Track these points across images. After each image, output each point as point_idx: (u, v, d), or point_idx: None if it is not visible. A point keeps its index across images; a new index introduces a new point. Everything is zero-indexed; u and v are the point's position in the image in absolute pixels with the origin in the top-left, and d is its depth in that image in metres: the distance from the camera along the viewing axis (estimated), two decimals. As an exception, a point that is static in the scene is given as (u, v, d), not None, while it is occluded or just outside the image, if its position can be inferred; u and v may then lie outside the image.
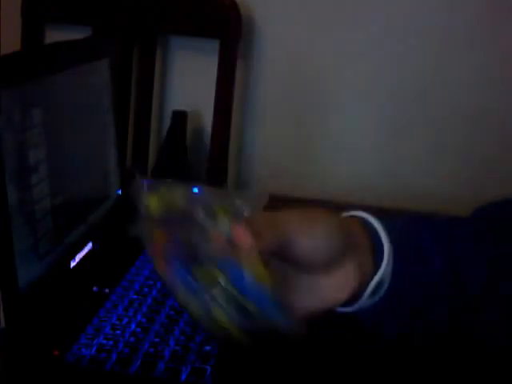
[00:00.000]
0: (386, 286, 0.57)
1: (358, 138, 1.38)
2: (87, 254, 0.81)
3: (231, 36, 1.31)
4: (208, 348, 0.66)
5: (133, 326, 0.69)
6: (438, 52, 1.29)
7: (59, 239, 0.75)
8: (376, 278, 0.56)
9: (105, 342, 0.66)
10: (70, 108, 0.78)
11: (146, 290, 0.77)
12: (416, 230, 0.61)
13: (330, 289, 0.56)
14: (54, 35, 1.39)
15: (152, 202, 0.53)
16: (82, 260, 0.79)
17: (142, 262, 0.84)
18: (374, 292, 0.57)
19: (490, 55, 1.27)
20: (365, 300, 0.57)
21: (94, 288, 0.77)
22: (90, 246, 0.82)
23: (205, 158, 1.36)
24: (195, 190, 0.55)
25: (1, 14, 1.42)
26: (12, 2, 1.39)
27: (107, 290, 0.76)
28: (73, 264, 0.77)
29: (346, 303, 0.57)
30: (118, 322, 0.70)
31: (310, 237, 0.54)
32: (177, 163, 1.13)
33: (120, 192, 0.94)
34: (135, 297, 0.75)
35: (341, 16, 1.32)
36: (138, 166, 1.38)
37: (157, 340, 0.67)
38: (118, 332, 0.68)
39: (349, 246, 0.56)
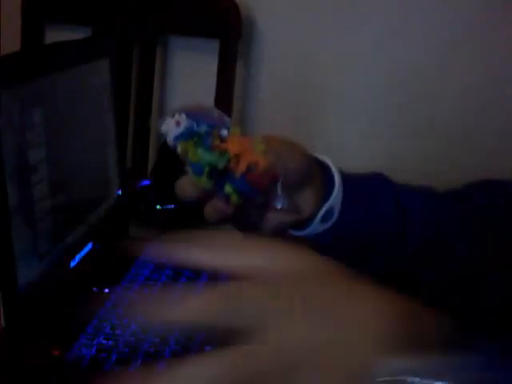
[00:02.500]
0: (335, 215, 0.65)
1: (357, 137, 1.38)
2: (87, 253, 0.81)
3: (231, 36, 1.31)
4: (208, 348, 0.66)
5: (133, 326, 0.69)
6: (438, 52, 1.29)
7: (59, 239, 0.75)
8: (326, 205, 0.64)
9: (105, 342, 0.66)
10: (70, 108, 0.78)
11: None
12: (370, 182, 0.69)
13: (293, 207, 0.63)
14: (54, 35, 1.39)
15: None
16: (82, 260, 0.79)
17: (142, 262, 0.84)
18: (324, 219, 0.64)
19: (490, 55, 1.27)
20: (316, 224, 0.64)
21: (94, 288, 0.77)
22: (90, 245, 0.82)
23: (205, 157, 1.36)
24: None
25: (1, 14, 1.42)
26: (12, 2, 1.39)
27: (107, 290, 0.76)
28: (73, 264, 0.77)
29: (301, 227, 0.65)
30: (118, 322, 0.70)
31: (291, 159, 0.64)
32: (177, 163, 1.13)
33: (120, 192, 0.94)
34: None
35: (341, 16, 1.32)
36: (137, 165, 1.38)
37: (157, 340, 0.67)
38: (118, 332, 0.68)
39: (311, 175, 0.64)
